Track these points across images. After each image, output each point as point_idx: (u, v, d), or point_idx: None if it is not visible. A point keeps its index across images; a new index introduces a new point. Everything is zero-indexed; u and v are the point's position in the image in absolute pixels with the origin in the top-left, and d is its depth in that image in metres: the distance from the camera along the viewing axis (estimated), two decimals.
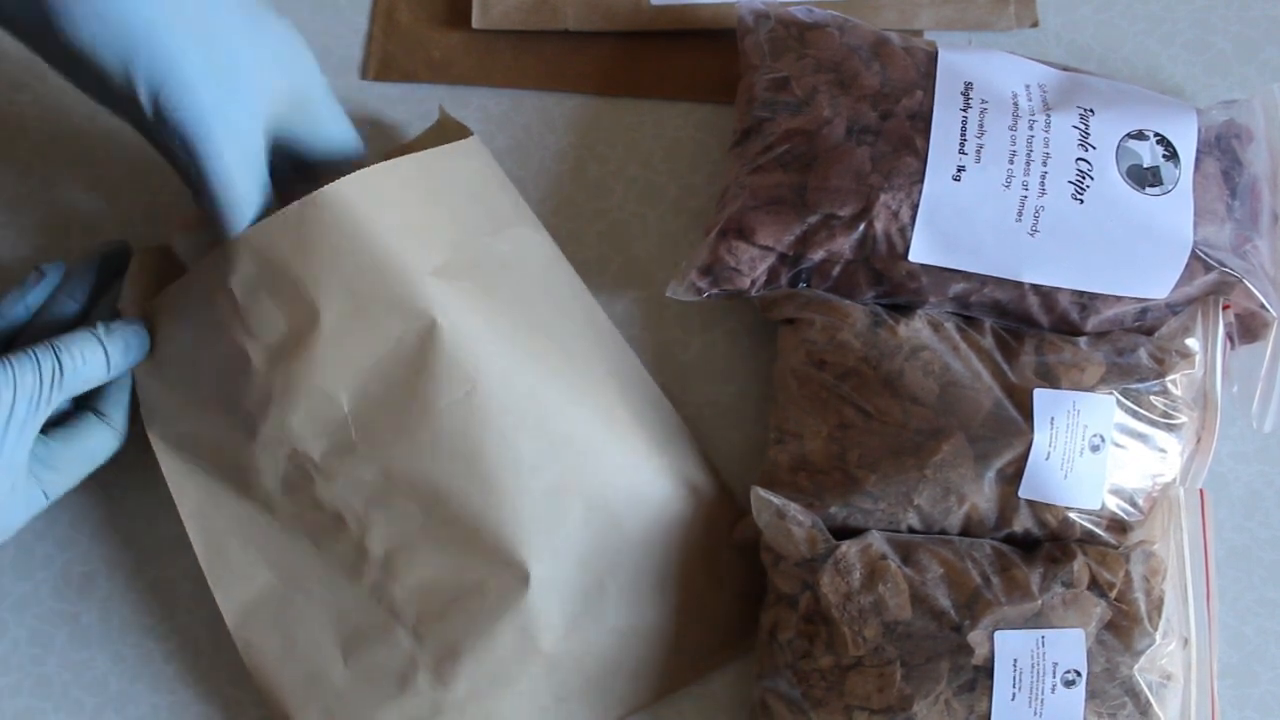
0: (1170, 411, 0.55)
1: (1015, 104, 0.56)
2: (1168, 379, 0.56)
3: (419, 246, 0.52)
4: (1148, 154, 0.56)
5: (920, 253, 0.55)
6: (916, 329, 0.56)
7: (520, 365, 0.54)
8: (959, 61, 0.57)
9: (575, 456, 0.55)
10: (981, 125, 0.55)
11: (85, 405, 0.55)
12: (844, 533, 0.55)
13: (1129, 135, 0.56)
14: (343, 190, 0.51)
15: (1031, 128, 0.55)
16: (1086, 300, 0.56)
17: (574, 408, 0.55)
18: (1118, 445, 0.55)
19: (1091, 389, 0.55)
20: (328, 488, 0.53)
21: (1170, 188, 0.55)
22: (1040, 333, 0.57)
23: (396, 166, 0.53)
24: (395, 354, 0.52)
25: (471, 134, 0.59)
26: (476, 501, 0.53)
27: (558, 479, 0.54)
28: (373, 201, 0.52)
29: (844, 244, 0.55)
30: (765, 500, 0.55)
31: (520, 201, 0.60)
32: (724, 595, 0.59)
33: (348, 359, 0.52)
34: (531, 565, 0.54)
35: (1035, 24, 0.66)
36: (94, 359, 0.52)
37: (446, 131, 0.61)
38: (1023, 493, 0.54)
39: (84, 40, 0.43)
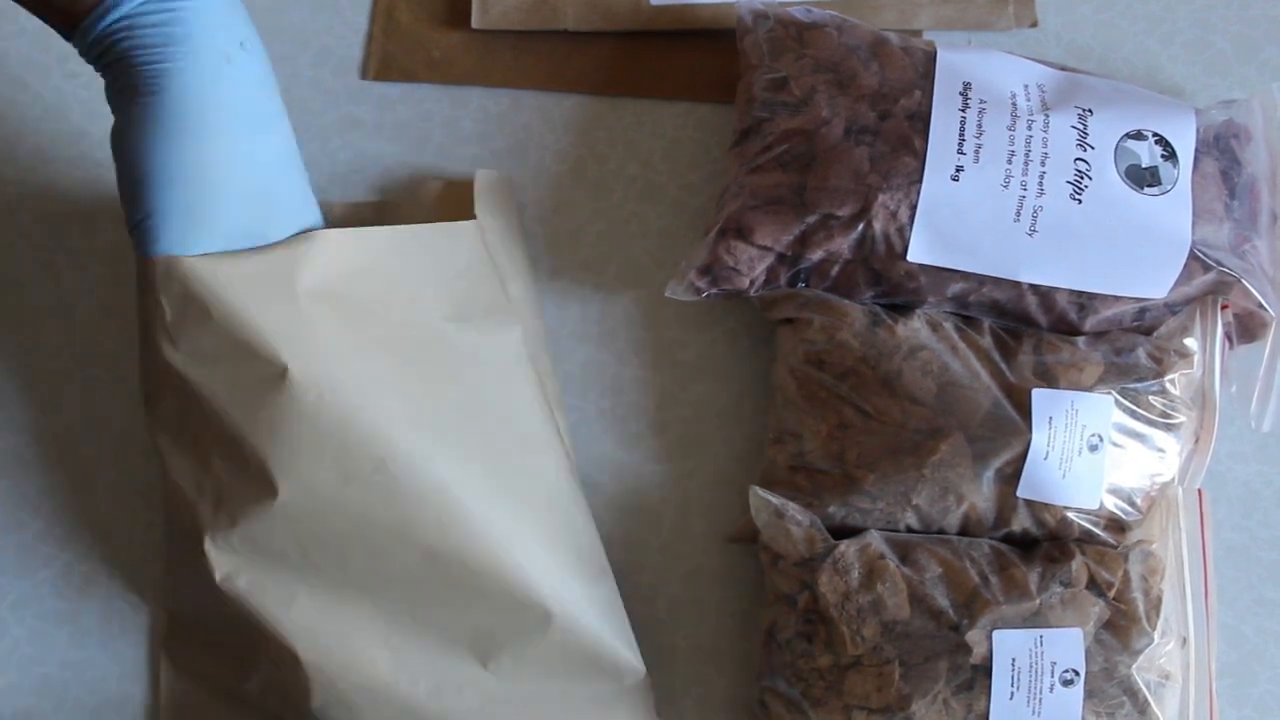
0: (1169, 411, 0.56)
1: (1014, 104, 0.56)
2: (1166, 379, 0.56)
3: (357, 315, 0.51)
4: (1146, 154, 0.56)
5: (919, 252, 0.55)
6: (915, 329, 0.56)
7: (429, 461, 0.51)
8: (958, 61, 0.57)
9: (463, 577, 0.52)
10: (980, 125, 0.55)
11: None
12: (842, 532, 0.55)
13: (1127, 135, 0.56)
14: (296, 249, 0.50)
15: (1030, 128, 0.55)
16: (1085, 300, 0.56)
17: (483, 532, 0.52)
18: (1116, 445, 0.55)
19: (1090, 389, 0.55)
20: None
21: (1169, 188, 0.56)
22: (1039, 332, 0.57)
23: (366, 236, 0.52)
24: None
25: (475, 218, 0.58)
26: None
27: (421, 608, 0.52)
28: (323, 262, 0.51)
29: (843, 244, 0.55)
30: (764, 500, 0.55)
31: (501, 296, 0.57)
32: None
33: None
34: None
35: (1034, 24, 0.66)
36: None
37: (461, 199, 0.61)
38: (1021, 492, 0.55)
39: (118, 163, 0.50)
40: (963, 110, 0.56)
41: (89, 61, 0.50)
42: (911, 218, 0.55)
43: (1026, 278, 0.55)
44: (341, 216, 0.63)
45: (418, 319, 0.53)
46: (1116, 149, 0.56)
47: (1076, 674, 0.53)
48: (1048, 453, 0.54)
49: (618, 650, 0.55)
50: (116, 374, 0.63)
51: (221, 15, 0.49)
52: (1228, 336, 0.58)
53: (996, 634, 0.53)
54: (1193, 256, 0.55)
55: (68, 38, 0.49)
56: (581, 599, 0.54)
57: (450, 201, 0.62)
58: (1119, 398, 0.55)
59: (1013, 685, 0.52)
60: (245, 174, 0.50)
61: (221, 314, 0.49)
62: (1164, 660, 0.54)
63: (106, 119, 0.65)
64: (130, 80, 0.48)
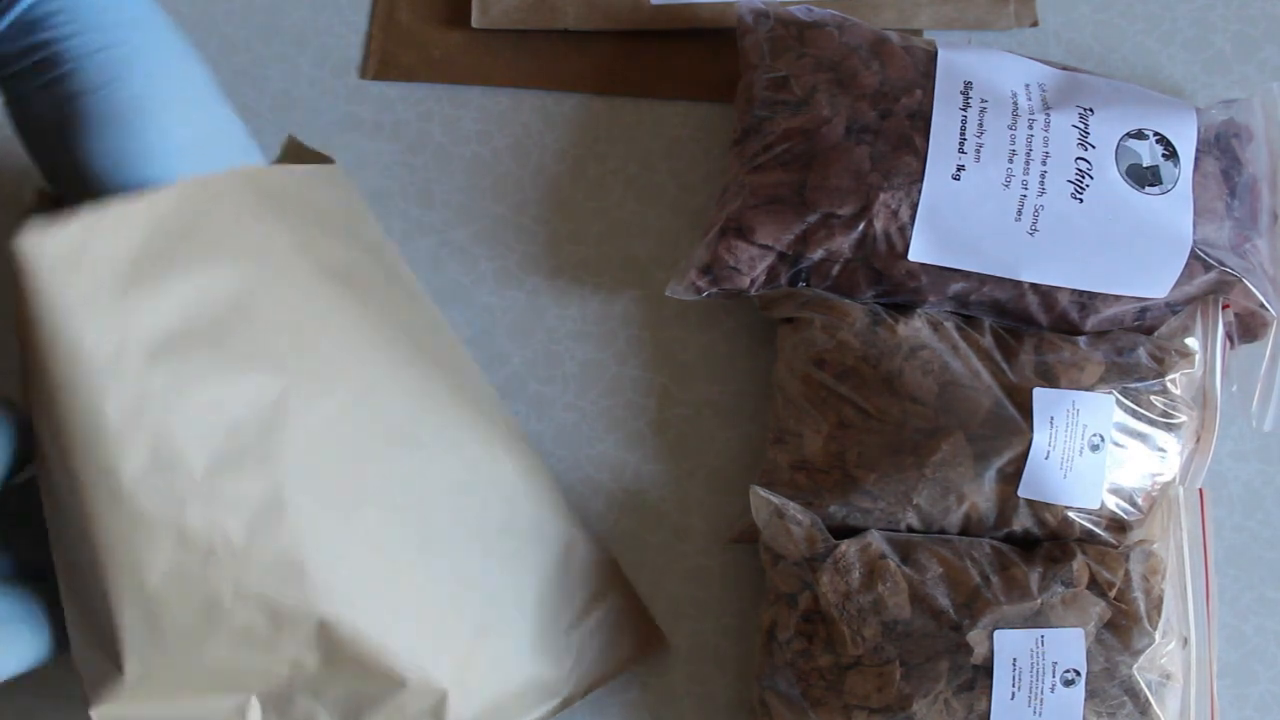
0: (1170, 411, 0.55)
1: (1015, 103, 0.56)
2: (1167, 378, 0.56)
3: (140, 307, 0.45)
4: (1147, 153, 0.56)
5: (919, 252, 0.55)
6: (916, 328, 0.56)
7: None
8: (958, 60, 0.57)
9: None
10: (981, 124, 0.55)
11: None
12: (843, 532, 0.55)
13: (1128, 134, 0.56)
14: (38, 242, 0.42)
15: (1031, 127, 0.55)
16: (1086, 299, 0.56)
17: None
18: (1117, 444, 0.55)
19: (1091, 388, 0.55)
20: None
21: (1170, 187, 0.56)
22: (1040, 332, 0.57)
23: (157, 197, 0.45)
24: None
25: (333, 162, 0.52)
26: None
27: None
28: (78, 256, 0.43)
29: (843, 243, 0.55)
30: (764, 499, 0.55)
31: (381, 236, 0.53)
32: None
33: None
34: None
35: (1035, 23, 0.66)
36: None
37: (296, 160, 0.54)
38: (1022, 492, 0.54)
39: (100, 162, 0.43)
40: (964, 109, 0.56)
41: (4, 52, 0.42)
42: (912, 217, 0.55)
43: (1027, 277, 0.55)
44: None
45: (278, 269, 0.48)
46: (1117, 148, 0.56)
47: (1078, 674, 0.53)
48: (1049, 452, 0.54)
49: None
50: None
51: None
52: (1229, 336, 0.58)
53: (997, 634, 0.52)
54: (1194, 256, 0.55)
55: None
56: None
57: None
58: (1120, 397, 0.55)
59: (1014, 685, 0.52)
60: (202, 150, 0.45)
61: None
62: (1165, 660, 0.54)
63: None
64: (67, 69, 0.41)
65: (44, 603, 0.48)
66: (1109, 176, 0.55)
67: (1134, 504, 0.55)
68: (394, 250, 0.53)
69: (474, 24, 0.65)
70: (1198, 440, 0.57)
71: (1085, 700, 0.53)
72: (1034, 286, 0.56)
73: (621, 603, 0.59)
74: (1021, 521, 0.55)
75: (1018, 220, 0.55)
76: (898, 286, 0.57)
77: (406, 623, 0.50)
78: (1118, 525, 0.56)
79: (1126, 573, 0.54)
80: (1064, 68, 0.59)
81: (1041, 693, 0.52)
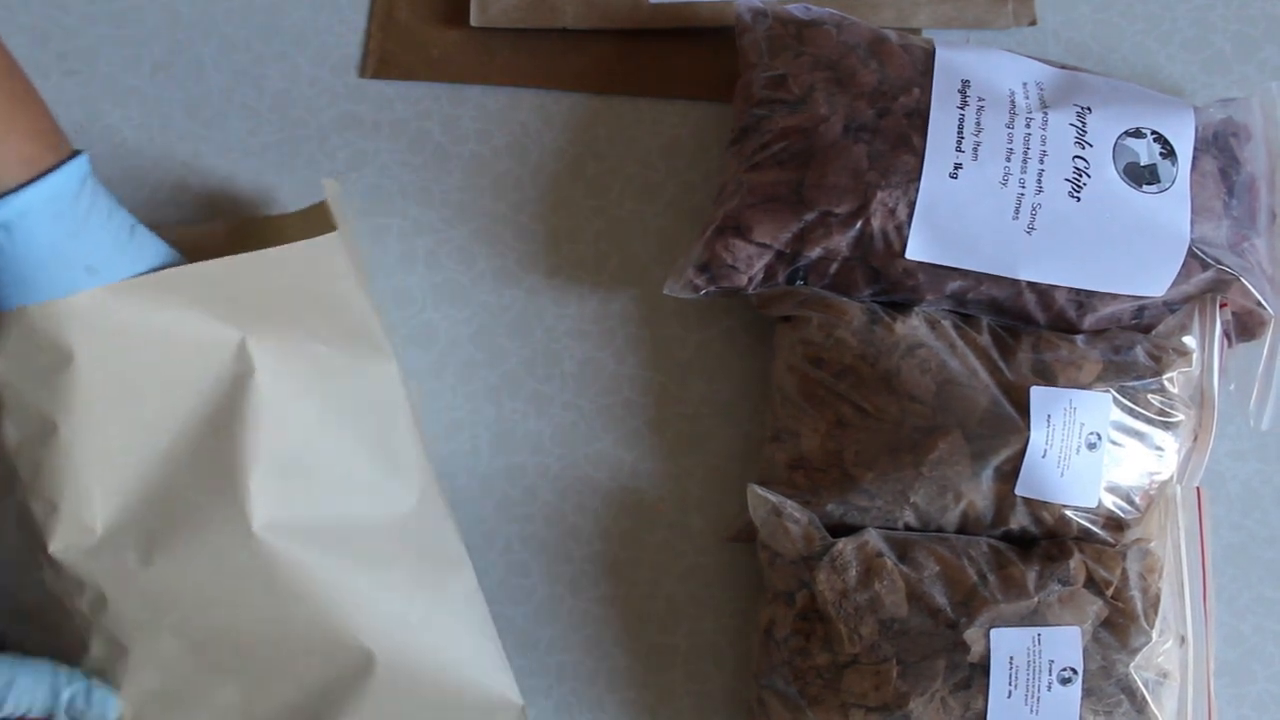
0: (1167, 409, 0.55)
1: (1013, 102, 0.56)
2: (1165, 377, 0.56)
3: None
4: (1145, 152, 0.56)
5: (917, 250, 0.55)
6: (913, 326, 0.56)
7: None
8: (956, 59, 0.57)
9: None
10: (979, 123, 0.55)
11: None
12: (841, 530, 0.55)
13: (1126, 133, 0.56)
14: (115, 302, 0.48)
15: (1029, 125, 0.55)
16: (1083, 298, 0.56)
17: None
18: (1114, 443, 0.55)
19: (1088, 387, 0.55)
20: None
21: (1167, 185, 0.56)
22: (1037, 330, 0.57)
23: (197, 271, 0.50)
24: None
25: (335, 229, 0.53)
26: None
27: None
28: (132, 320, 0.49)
29: (841, 241, 0.55)
30: (762, 497, 0.55)
31: (371, 316, 0.54)
32: None
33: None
34: None
35: (1033, 22, 0.66)
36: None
37: (311, 221, 0.56)
38: (1019, 490, 0.54)
39: None
40: (961, 108, 0.56)
41: None
42: (910, 215, 0.55)
43: (1025, 275, 0.55)
44: (190, 242, 0.59)
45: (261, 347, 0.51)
46: (1115, 147, 0.56)
47: (1074, 672, 0.53)
48: (1046, 450, 0.54)
49: (478, 684, 0.54)
50: None
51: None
52: (1226, 334, 0.58)
53: (994, 632, 0.52)
54: (1191, 254, 0.55)
55: None
56: (418, 628, 0.52)
57: (279, 229, 0.59)
58: (1117, 396, 0.55)
59: (1010, 684, 0.52)
60: None
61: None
62: (1162, 659, 0.54)
63: (106, 115, 0.65)
64: None
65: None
66: (1107, 175, 0.55)
67: (1131, 502, 0.55)
68: (374, 323, 0.54)
69: (472, 23, 0.65)
70: (1195, 439, 0.57)
71: (1082, 699, 0.53)
72: (1031, 285, 0.56)
73: None
74: (1019, 520, 0.55)
75: (1015, 219, 0.55)
76: (895, 285, 0.57)
77: None
78: (1115, 524, 0.56)
79: (1124, 571, 0.54)
80: (1062, 67, 0.59)
81: (1038, 691, 0.52)
